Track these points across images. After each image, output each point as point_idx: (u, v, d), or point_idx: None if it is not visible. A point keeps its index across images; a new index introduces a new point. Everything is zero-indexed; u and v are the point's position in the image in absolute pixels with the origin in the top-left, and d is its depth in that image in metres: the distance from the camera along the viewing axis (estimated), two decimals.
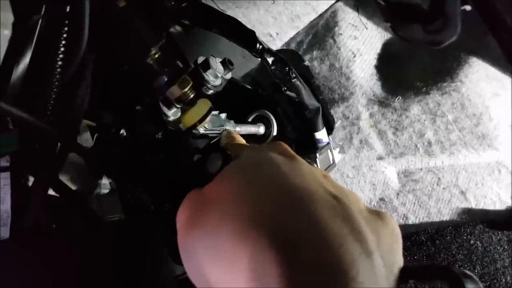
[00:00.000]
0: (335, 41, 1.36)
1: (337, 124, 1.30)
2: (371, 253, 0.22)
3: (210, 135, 0.61)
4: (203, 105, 0.57)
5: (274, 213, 0.23)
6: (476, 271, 1.26)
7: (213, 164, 0.45)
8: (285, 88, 0.69)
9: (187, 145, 0.60)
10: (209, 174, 0.46)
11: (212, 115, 0.61)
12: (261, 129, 0.74)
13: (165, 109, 0.56)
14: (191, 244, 0.27)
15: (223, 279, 0.24)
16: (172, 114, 0.57)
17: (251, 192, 0.26)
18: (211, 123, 0.61)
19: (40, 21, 0.44)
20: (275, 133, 0.74)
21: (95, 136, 0.67)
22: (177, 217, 0.30)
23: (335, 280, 0.20)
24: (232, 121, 0.66)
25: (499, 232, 1.32)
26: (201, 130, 0.59)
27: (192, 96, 0.57)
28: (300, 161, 0.30)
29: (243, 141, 0.47)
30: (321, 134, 0.78)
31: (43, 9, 0.45)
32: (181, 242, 0.28)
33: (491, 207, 1.27)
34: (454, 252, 1.29)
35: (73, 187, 0.63)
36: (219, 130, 0.62)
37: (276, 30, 1.33)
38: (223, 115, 0.65)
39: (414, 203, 1.25)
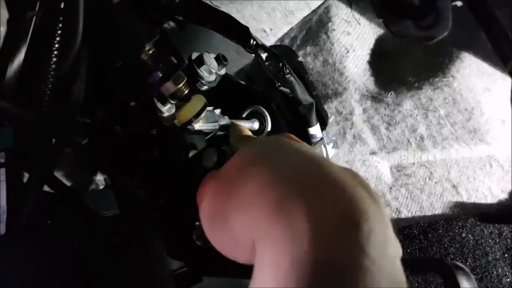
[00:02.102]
0: (328, 37, 1.36)
1: (331, 119, 1.30)
2: (378, 201, 0.26)
3: (204, 131, 0.61)
4: (198, 101, 0.57)
5: (296, 169, 0.28)
6: (468, 263, 1.28)
7: (208, 159, 0.46)
8: (279, 84, 0.69)
9: (182, 141, 0.60)
10: (205, 169, 0.46)
11: (207, 111, 0.61)
12: (255, 125, 0.74)
13: (159, 105, 0.56)
14: (219, 209, 0.31)
15: (250, 222, 0.27)
16: (167, 110, 0.57)
17: (271, 157, 0.30)
18: (206, 119, 0.61)
19: (35, 17, 0.44)
20: (269, 128, 0.75)
21: (89, 132, 0.67)
22: (200, 191, 0.35)
23: (348, 211, 0.24)
24: (226, 117, 0.67)
25: (491, 225, 1.34)
26: (196, 126, 0.59)
27: (186, 92, 0.57)
28: (308, 145, 0.34)
29: (250, 133, 0.49)
30: (315, 130, 0.78)
31: (38, 6, 0.45)
32: (208, 212, 0.32)
33: (482, 200, 1.29)
34: (446, 245, 1.30)
35: (68, 183, 0.63)
36: (214, 126, 0.63)
37: (270, 26, 1.33)
38: (218, 111, 0.65)
39: (407, 197, 1.26)
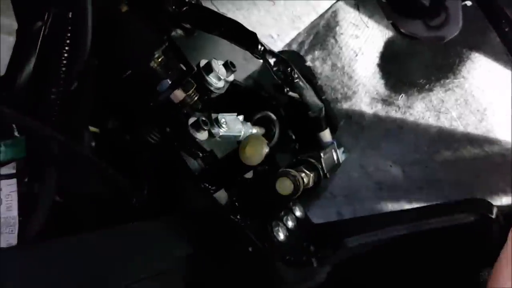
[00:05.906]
0: (336, 41, 1.36)
1: (341, 123, 1.29)
2: None
3: (229, 138, 0.62)
4: (259, 143, 0.58)
5: None
6: None
7: (283, 187, 0.52)
8: (288, 89, 0.69)
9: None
10: (278, 195, 0.53)
11: (230, 115, 0.63)
12: (260, 131, 0.74)
13: (194, 132, 0.57)
14: None
15: None
16: (201, 136, 0.58)
17: None
18: (230, 127, 0.62)
19: (43, 27, 0.45)
20: (278, 133, 0.75)
21: (99, 142, 0.67)
22: None
23: None
24: (249, 123, 0.67)
25: None
26: (221, 132, 0.60)
27: (196, 99, 0.57)
28: None
29: None
30: (325, 134, 0.78)
31: (46, 15, 0.45)
32: None
33: (497, 202, 1.27)
34: None
35: (79, 193, 0.64)
36: (238, 133, 0.63)
37: (277, 31, 1.33)
38: (241, 117, 0.66)
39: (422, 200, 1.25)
